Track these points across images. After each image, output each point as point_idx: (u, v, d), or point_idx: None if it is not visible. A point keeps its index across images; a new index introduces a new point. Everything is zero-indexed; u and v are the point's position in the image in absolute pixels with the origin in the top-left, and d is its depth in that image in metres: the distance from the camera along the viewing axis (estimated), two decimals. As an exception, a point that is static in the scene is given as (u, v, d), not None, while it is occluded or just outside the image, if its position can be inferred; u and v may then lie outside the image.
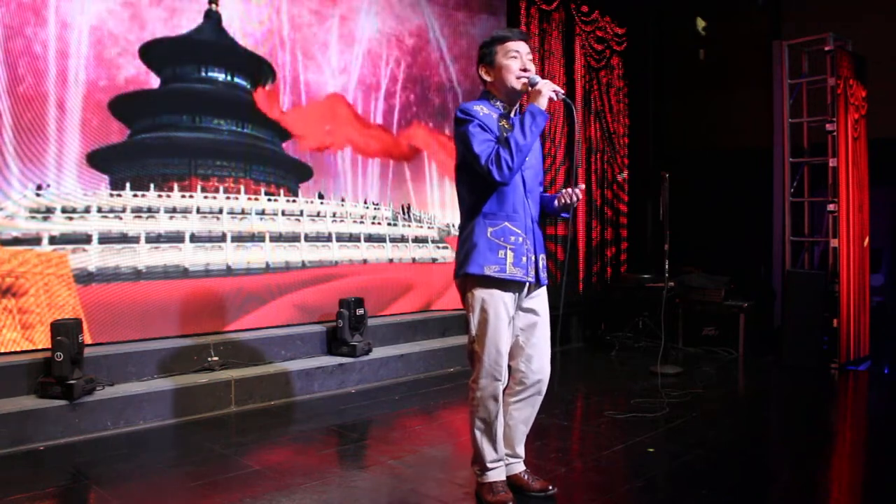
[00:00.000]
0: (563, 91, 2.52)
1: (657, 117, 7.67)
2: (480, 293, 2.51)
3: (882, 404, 4.55)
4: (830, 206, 5.33)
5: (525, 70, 2.51)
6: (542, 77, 2.55)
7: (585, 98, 6.85)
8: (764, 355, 5.59)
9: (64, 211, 3.91)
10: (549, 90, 2.45)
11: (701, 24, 7.37)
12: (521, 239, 2.52)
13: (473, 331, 2.54)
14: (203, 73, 4.49)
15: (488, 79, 2.57)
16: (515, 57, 2.51)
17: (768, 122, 6.25)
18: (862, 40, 5.80)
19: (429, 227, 5.82)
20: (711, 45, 7.27)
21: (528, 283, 2.57)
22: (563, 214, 2.71)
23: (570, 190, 2.61)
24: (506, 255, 2.48)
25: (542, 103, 2.44)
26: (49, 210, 3.86)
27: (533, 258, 2.56)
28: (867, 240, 5.67)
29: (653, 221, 7.32)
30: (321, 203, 5.09)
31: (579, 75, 6.78)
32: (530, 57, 2.56)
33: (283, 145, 4.86)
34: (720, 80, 7.09)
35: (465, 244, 2.53)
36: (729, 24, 7.12)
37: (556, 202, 2.67)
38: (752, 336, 5.82)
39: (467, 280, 2.53)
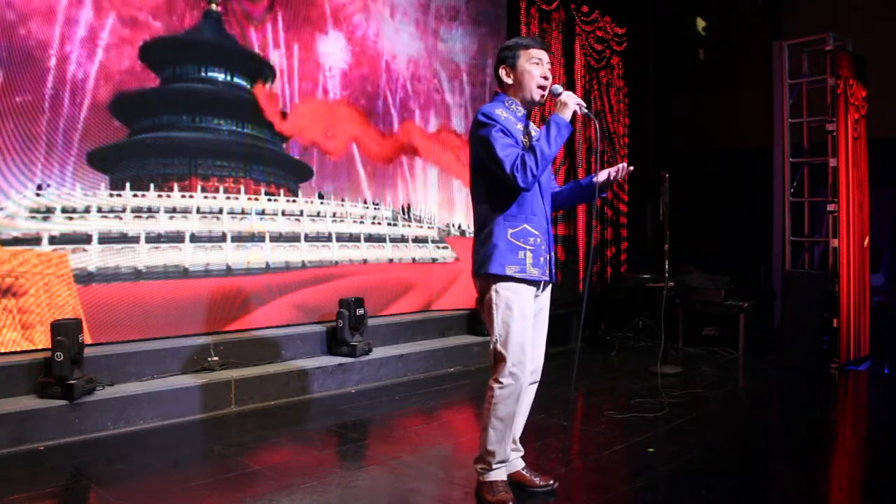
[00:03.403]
0: (585, 105, 2.59)
1: (657, 117, 7.67)
2: (504, 292, 2.53)
3: (882, 404, 4.55)
4: (830, 206, 5.33)
5: (546, 78, 2.58)
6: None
7: (585, 98, 6.85)
8: (764, 355, 5.59)
9: (64, 211, 3.91)
10: (573, 103, 2.53)
11: (701, 24, 7.37)
12: (539, 240, 2.57)
13: (497, 329, 2.55)
14: (203, 73, 4.49)
15: (508, 81, 2.61)
16: (538, 63, 2.57)
17: (768, 122, 6.26)
18: (862, 40, 5.80)
19: (429, 227, 5.83)
20: (711, 45, 7.27)
21: (543, 282, 2.62)
22: (601, 194, 2.72)
23: (617, 166, 2.66)
24: (525, 255, 2.53)
25: (567, 115, 2.51)
26: (49, 210, 3.86)
27: (548, 258, 2.61)
28: (867, 240, 5.67)
29: (653, 221, 7.32)
30: (321, 203, 5.09)
31: (579, 75, 6.78)
32: (550, 66, 2.63)
33: (283, 145, 4.86)
34: (720, 80, 7.09)
35: (486, 245, 2.56)
36: (729, 24, 7.13)
37: (596, 179, 2.68)
38: (752, 336, 5.82)
39: (489, 279, 2.56)
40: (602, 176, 2.69)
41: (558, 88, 2.57)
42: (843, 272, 5.28)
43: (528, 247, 2.54)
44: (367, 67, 5.35)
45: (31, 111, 3.76)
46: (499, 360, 2.55)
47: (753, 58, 6.73)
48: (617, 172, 2.67)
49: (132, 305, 4.13)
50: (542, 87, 2.57)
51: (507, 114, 2.55)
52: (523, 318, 2.53)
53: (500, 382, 2.53)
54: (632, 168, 2.68)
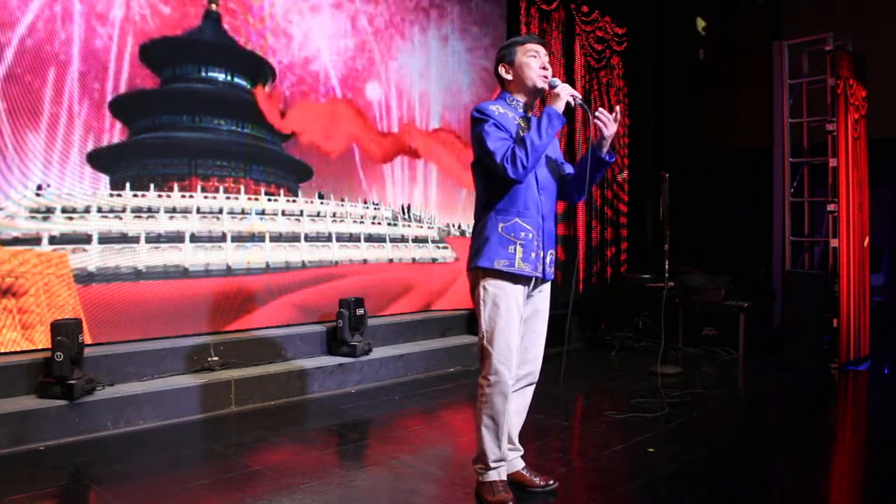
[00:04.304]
0: (580, 96, 2.58)
1: (657, 117, 7.67)
2: (492, 288, 2.54)
3: (882, 404, 4.54)
4: (830, 206, 5.33)
5: (545, 68, 2.58)
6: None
7: (585, 98, 6.85)
8: (764, 355, 5.59)
9: (64, 211, 3.91)
10: (566, 94, 2.53)
11: (701, 24, 7.37)
12: (531, 235, 2.55)
13: (484, 326, 2.56)
14: (203, 73, 4.49)
15: (508, 77, 2.62)
16: (535, 56, 2.59)
17: (768, 122, 6.26)
18: (862, 40, 5.79)
19: (429, 227, 5.82)
20: (711, 45, 7.27)
21: (534, 278, 2.60)
22: (608, 159, 2.62)
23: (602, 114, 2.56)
24: (515, 250, 2.53)
25: (560, 106, 2.51)
26: (49, 210, 3.86)
27: (541, 254, 2.59)
28: (867, 240, 5.67)
29: (653, 221, 7.32)
30: (321, 203, 5.09)
31: (579, 75, 6.78)
32: (548, 59, 2.63)
33: (283, 145, 4.86)
34: (720, 80, 7.09)
35: (478, 238, 2.58)
36: (729, 24, 7.12)
37: (594, 141, 2.60)
38: (752, 336, 5.82)
39: (478, 273, 2.57)
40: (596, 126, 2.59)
41: (555, 81, 2.58)
42: (843, 272, 5.28)
43: (518, 241, 2.53)
44: (367, 67, 5.34)
45: (32, 111, 3.76)
46: (485, 356, 2.56)
47: (753, 58, 6.73)
48: (605, 121, 2.56)
49: (132, 305, 4.13)
50: (543, 77, 2.57)
51: (503, 109, 2.56)
52: (509, 316, 2.53)
53: (488, 379, 2.55)
54: (620, 105, 2.61)
